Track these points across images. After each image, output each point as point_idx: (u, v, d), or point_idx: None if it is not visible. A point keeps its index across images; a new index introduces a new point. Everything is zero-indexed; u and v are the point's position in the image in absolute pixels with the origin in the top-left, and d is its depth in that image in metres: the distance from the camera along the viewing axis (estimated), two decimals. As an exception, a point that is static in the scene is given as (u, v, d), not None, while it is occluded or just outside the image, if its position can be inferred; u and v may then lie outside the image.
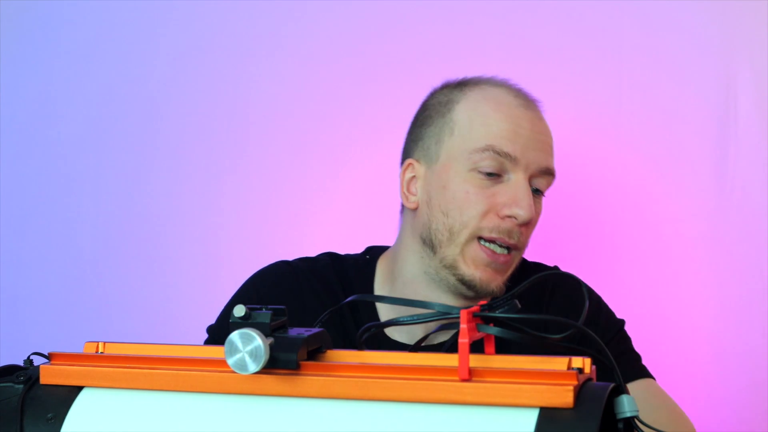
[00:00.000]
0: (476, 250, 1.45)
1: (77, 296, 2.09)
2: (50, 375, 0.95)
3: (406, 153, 1.55)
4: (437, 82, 1.57)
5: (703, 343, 1.91)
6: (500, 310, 0.90)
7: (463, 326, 0.86)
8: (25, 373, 0.96)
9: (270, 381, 0.89)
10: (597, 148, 1.95)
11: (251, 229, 2.05)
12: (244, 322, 0.88)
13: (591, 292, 1.55)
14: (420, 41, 1.99)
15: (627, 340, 1.54)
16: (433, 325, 1.42)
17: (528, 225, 1.46)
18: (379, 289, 1.55)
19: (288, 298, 1.52)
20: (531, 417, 0.82)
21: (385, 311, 1.52)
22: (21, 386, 0.95)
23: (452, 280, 1.47)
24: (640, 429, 0.86)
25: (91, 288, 2.09)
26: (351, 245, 1.64)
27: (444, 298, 1.48)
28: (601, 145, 1.95)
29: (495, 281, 1.46)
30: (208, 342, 1.52)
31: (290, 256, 1.61)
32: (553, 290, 1.53)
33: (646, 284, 1.93)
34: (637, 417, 0.86)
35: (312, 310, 1.49)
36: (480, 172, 1.45)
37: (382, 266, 1.56)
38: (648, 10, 1.92)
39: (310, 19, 2.03)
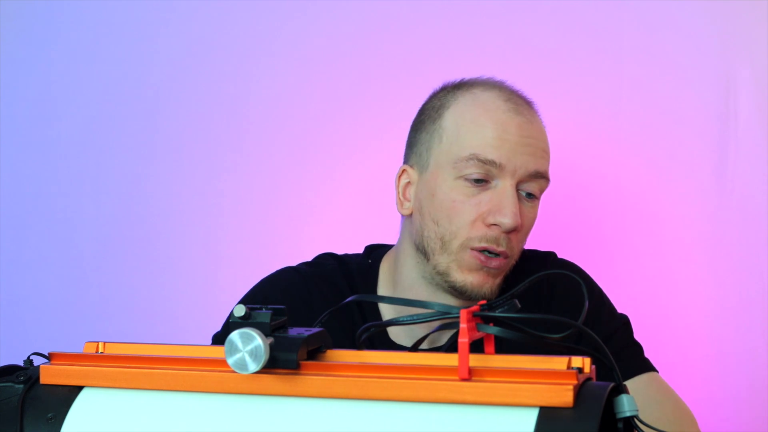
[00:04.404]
0: (469, 257, 1.44)
1: (77, 296, 2.09)
2: (50, 375, 0.95)
3: (405, 157, 1.55)
4: (437, 82, 1.57)
5: (703, 342, 1.91)
6: (500, 310, 0.90)
7: (463, 326, 0.86)
8: (25, 373, 0.96)
9: (270, 381, 0.89)
10: (597, 148, 1.95)
11: (251, 229, 2.05)
12: (244, 321, 0.88)
13: (593, 287, 1.55)
14: (420, 41, 1.99)
15: (630, 333, 1.54)
16: (433, 326, 1.43)
17: (517, 232, 1.45)
18: (382, 293, 1.55)
19: (298, 305, 1.51)
20: (531, 416, 0.82)
21: (388, 314, 1.52)
22: (21, 386, 0.95)
23: (445, 286, 1.47)
24: (640, 428, 0.86)
25: (91, 288, 2.09)
26: (350, 245, 1.64)
27: (444, 300, 1.47)
28: (600, 145, 1.95)
29: (487, 284, 1.46)
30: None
31: (290, 256, 1.61)
32: (553, 284, 1.52)
33: (646, 284, 1.93)
34: (636, 416, 0.86)
35: None
36: (467, 179, 1.44)
37: (384, 270, 1.56)
38: (648, 10, 1.92)
39: (310, 19, 2.03)
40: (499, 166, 1.43)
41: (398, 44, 2.00)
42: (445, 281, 1.46)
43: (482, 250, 1.44)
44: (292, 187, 2.04)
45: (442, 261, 1.46)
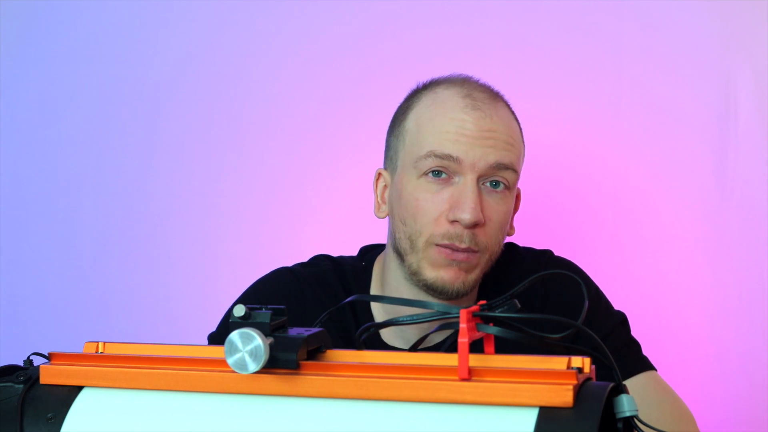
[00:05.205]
0: (435, 253, 1.44)
1: (77, 296, 2.09)
2: (50, 375, 0.95)
3: (383, 160, 1.56)
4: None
5: (703, 342, 1.91)
6: (500, 310, 0.90)
7: (463, 326, 0.86)
8: (25, 373, 0.96)
9: (270, 381, 0.89)
10: (596, 148, 1.95)
11: (251, 229, 2.05)
12: (243, 321, 0.88)
13: (589, 285, 1.54)
14: (420, 41, 1.99)
15: (627, 331, 1.54)
16: (429, 327, 1.44)
17: (482, 226, 1.44)
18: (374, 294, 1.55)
19: (291, 305, 1.50)
20: (530, 416, 0.82)
21: (380, 316, 1.52)
22: (21, 386, 0.95)
23: (420, 285, 1.47)
24: (640, 429, 0.86)
25: (91, 288, 2.09)
26: (350, 245, 1.64)
27: (430, 300, 1.47)
28: (600, 145, 1.95)
29: (459, 279, 1.45)
30: (209, 351, 1.51)
31: (289, 256, 1.61)
32: (546, 283, 1.52)
33: (646, 284, 1.93)
34: (636, 416, 0.86)
35: (315, 317, 1.49)
36: (427, 176, 1.45)
37: (376, 271, 1.57)
38: (647, 10, 1.92)
39: (310, 19, 2.03)
40: (457, 161, 1.43)
41: (398, 44, 2.00)
42: (419, 280, 1.46)
43: (446, 247, 1.44)
44: (291, 187, 2.04)
45: (413, 261, 1.46)
